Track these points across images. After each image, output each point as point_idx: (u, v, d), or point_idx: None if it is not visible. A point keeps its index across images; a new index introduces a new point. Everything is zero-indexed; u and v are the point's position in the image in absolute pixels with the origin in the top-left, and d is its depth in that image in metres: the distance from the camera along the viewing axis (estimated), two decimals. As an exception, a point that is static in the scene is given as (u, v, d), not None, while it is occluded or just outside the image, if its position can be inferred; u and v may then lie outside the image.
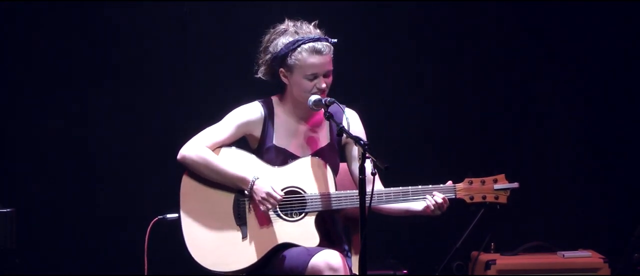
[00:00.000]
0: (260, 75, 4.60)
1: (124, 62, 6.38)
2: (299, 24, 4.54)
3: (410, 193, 4.47)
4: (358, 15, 6.46)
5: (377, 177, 4.31)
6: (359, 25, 6.45)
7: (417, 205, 4.52)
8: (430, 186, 4.47)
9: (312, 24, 4.54)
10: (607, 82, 6.59)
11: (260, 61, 4.59)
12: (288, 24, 4.54)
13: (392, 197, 4.46)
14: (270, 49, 4.54)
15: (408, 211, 4.56)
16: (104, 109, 6.37)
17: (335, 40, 4.53)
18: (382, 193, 4.45)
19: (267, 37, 4.57)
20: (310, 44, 4.46)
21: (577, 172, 6.62)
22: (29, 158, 6.34)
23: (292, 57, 4.47)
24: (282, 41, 4.50)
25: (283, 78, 4.55)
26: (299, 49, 4.46)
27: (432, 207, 4.45)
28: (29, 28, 6.33)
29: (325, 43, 4.49)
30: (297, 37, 4.48)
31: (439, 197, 4.45)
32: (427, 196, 4.45)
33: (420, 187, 4.47)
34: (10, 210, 5.64)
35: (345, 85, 4.69)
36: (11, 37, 6.32)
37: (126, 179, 6.34)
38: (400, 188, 4.46)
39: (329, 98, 4.45)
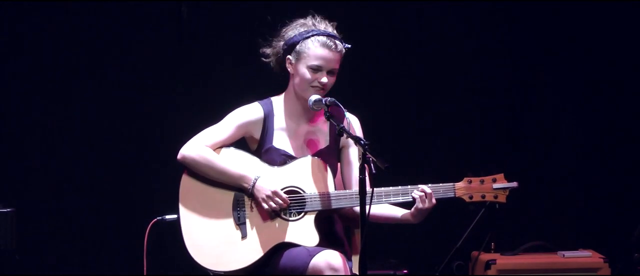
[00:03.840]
0: (267, 59, 4.63)
1: (123, 62, 6.38)
2: (318, 19, 4.59)
3: (409, 191, 4.47)
4: (356, 14, 6.46)
5: (368, 178, 4.29)
6: (357, 24, 6.44)
7: (399, 212, 4.54)
8: (429, 185, 4.47)
9: (332, 23, 4.59)
10: (607, 82, 6.58)
11: (273, 47, 4.63)
12: (308, 18, 4.59)
13: (392, 195, 4.46)
14: (284, 36, 4.59)
15: (394, 219, 4.56)
16: (103, 109, 6.37)
17: (349, 45, 4.57)
18: (381, 192, 4.45)
19: (285, 28, 4.62)
20: (323, 37, 4.50)
21: (577, 172, 6.61)
22: (29, 158, 6.34)
23: (302, 45, 4.50)
24: (298, 30, 4.54)
25: (288, 66, 4.57)
26: (311, 39, 4.50)
27: (418, 198, 4.42)
28: (28, 28, 6.33)
29: (337, 41, 4.51)
30: (312, 28, 4.53)
31: (426, 189, 4.44)
32: (415, 191, 4.45)
33: (419, 186, 4.47)
34: (10, 210, 5.64)
35: (344, 84, 4.68)
36: (10, 37, 6.32)
37: (125, 179, 6.34)
38: (400, 187, 4.46)
39: (329, 99, 4.46)
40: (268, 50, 4.65)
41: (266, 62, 4.65)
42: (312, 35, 4.51)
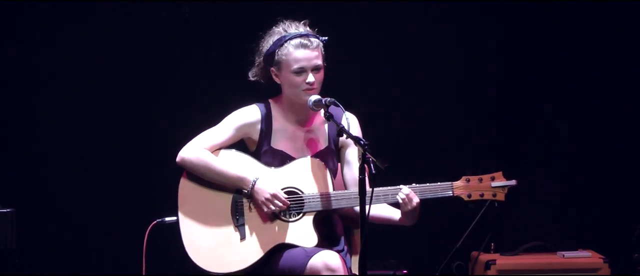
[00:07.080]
0: (254, 77, 4.64)
1: (123, 63, 6.39)
2: (287, 23, 4.58)
3: (397, 192, 4.46)
4: (357, 14, 6.45)
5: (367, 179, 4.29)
6: (357, 23, 6.45)
7: (396, 215, 4.52)
8: (428, 184, 4.46)
9: (302, 22, 4.59)
10: (607, 82, 6.58)
11: (257, 66, 4.64)
12: (278, 26, 4.59)
13: (390, 195, 4.46)
14: (262, 50, 4.59)
15: (390, 221, 4.55)
16: (104, 111, 6.37)
17: (326, 38, 4.57)
18: (379, 192, 4.44)
19: (260, 42, 4.63)
20: (296, 39, 4.51)
21: (577, 172, 6.61)
22: (29, 158, 6.34)
23: (279, 54, 4.51)
24: (271, 40, 4.54)
25: (275, 78, 4.59)
26: (285, 45, 4.50)
27: (400, 201, 4.43)
28: (30, 27, 6.34)
29: (312, 38, 4.52)
30: (284, 34, 4.52)
31: (405, 190, 4.43)
32: (399, 193, 4.44)
33: (417, 185, 4.46)
34: (10, 210, 5.63)
35: (343, 83, 4.68)
36: (13, 37, 6.32)
37: (125, 181, 6.34)
38: (395, 187, 4.45)
39: (329, 99, 4.46)
40: (254, 70, 4.65)
41: (255, 80, 4.65)
42: (286, 41, 4.50)
